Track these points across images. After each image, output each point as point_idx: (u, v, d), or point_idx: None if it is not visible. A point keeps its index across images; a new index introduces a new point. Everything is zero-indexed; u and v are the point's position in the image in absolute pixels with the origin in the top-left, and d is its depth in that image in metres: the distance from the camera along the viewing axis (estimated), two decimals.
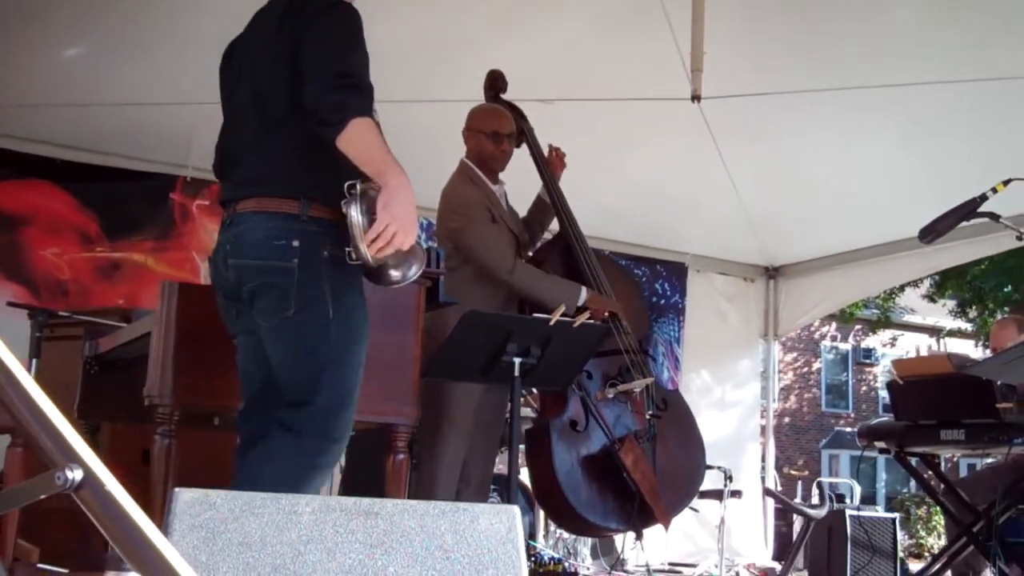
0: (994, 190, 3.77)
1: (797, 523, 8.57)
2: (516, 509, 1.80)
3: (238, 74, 3.22)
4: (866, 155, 6.98)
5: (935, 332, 31.31)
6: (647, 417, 5.07)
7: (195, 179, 7.24)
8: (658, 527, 5.12)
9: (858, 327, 29.35)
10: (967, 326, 25.01)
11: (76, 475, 1.27)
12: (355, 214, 2.87)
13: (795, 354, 29.30)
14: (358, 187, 2.87)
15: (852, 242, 8.70)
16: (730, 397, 9.41)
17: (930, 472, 6.28)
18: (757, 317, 9.65)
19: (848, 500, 10.57)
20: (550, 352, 4.31)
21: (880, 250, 8.61)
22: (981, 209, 3.79)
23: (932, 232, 3.96)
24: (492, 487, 5.78)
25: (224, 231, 3.14)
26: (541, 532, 7.43)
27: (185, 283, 3.79)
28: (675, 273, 9.22)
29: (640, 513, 4.94)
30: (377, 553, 1.68)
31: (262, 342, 3.08)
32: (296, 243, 2.97)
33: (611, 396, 5.05)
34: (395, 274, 3.03)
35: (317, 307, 2.98)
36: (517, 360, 4.25)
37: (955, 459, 21.07)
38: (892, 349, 30.71)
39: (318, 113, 2.91)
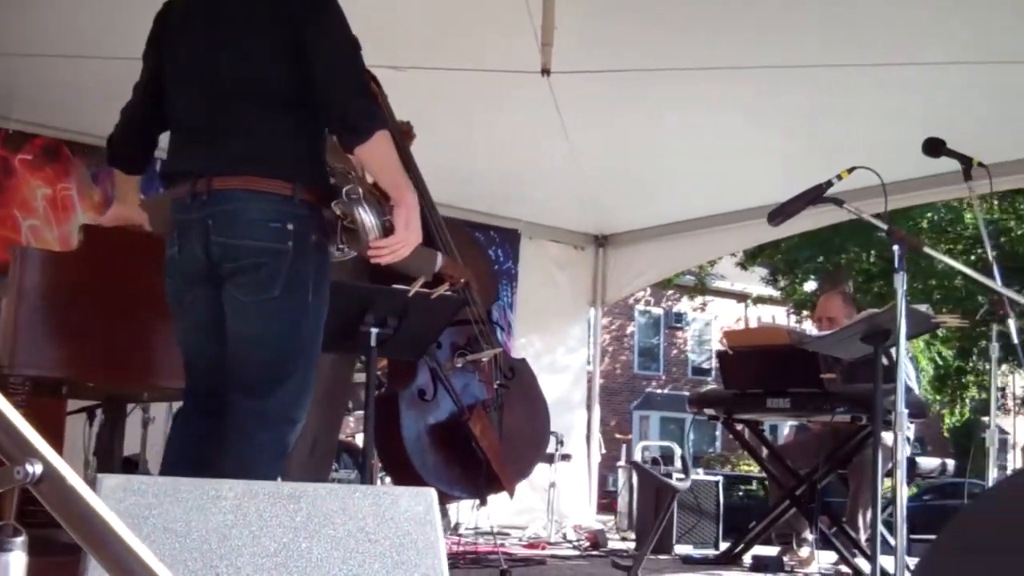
0: (839, 177, 3.96)
1: (620, 480, 8.85)
2: (432, 491, 1.85)
3: (211, 45, 3.12)
4: (698, 133, 7.18)
5: (743, 298, 32.50)
6: (495, 386, 5.16)
7: (18, 132, 6.93)
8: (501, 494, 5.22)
9: (670, 291, 30.23)
10: (775, 293, 26.07)
11: (36, 469, 1.26)
12: (367, 217, 3.02)
13: (610, 318, 29.99)
14: (359, 190, 2.94)
15: (680, 214, 8.95)
16: (560, 362, 9.60)
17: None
18: (586, 284, 9.85)
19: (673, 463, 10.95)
20: (407, 323, 4.33)
21: (706, 222, 8.90)
22: (827, 194, 3.97)
23: (781, 215, 4.14)
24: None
25: (199, 207, 3.03)
26: None
27: (41, 250, 3.70)
28: (509, 239, 9.33)
29: (486, 481, 5.03)
30: (301, 536, 1.70)
31: (221, 321, 3.04)
32: (291, 226, 2.98)
33: (460, 365, 5.12)
34: None
35: (300, 291, 3.02)
36: (374, 330, 4.25)
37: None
38: (702, 314, 31.75)
39: (347, 118, 2.98)
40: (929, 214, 17.44)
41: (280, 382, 3.03)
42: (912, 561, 5.59)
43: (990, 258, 4.32)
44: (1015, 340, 4.23)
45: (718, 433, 30.61)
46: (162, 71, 3.22)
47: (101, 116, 3.74)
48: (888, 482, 5.42)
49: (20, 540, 1.33)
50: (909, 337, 3.86)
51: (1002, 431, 33.66)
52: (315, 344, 3.14)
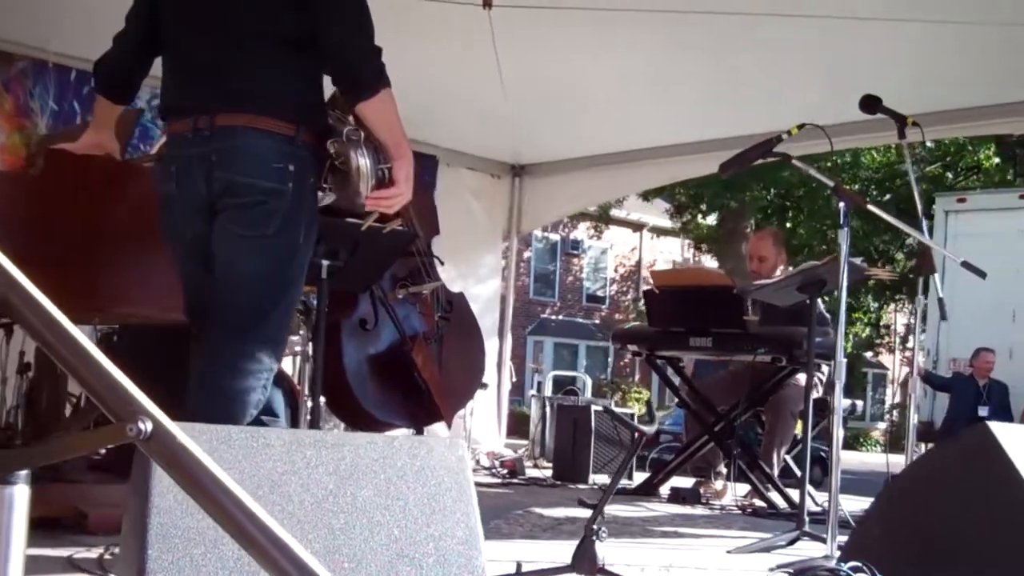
0: (789, 132, 4.09)
1: (534, 413, 9.03)
2: (462, 442, 1.94)
3: None
4: (622, 71, 7.26)
5: (639, 228, 32.95)
6: (436, 319, 5.24)
7: None
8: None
9: (567, 217, 30.48)
10: (671, 224, 26.52)
11: (147, 427, 1.32)
12: (364, 161, 3.05)
13: (506, 243, 30.11)
14: (361, 133, 2.96)
15: (597, 148, 9.05)
16: (473, 291, 9.66)
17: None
18: (502, 214, 9.92)
19: (582, 391, 11.21)
20: (358, 256, 4.38)
21: (623, 157, 9.02)
22: (776, 149, 4.09)
23: (731, 167, 4.26)
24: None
25: (202, 142, 3.03)
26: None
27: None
28: (426, 166, 9.33)
29: (425, 411, 5.13)
30: (347, 484, 1.78)
31: (209, 253, 3.06)
32: (292, 167, 3.02)
33: (401, 297, 5.18)
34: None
35: (293, 231, 3.07)
36: (325, 263, 4.29)
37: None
38: (598, 241, 32.10)
39: (359, 75, 3.04)
40: (833, 157, 17.87)
41: (262, 321, 3.07)
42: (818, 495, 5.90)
43: (920, 212, 4.50)
44: (940, 295, 4.44)
45: (610, 360, 31.20)
46: (156, 3, 3.20)
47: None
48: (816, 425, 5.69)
49: (24, 473, 1.36)
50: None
51: (881, 367, 34.84)
52: (299, 286, 3.20)
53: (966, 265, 4.10)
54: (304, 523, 1.73)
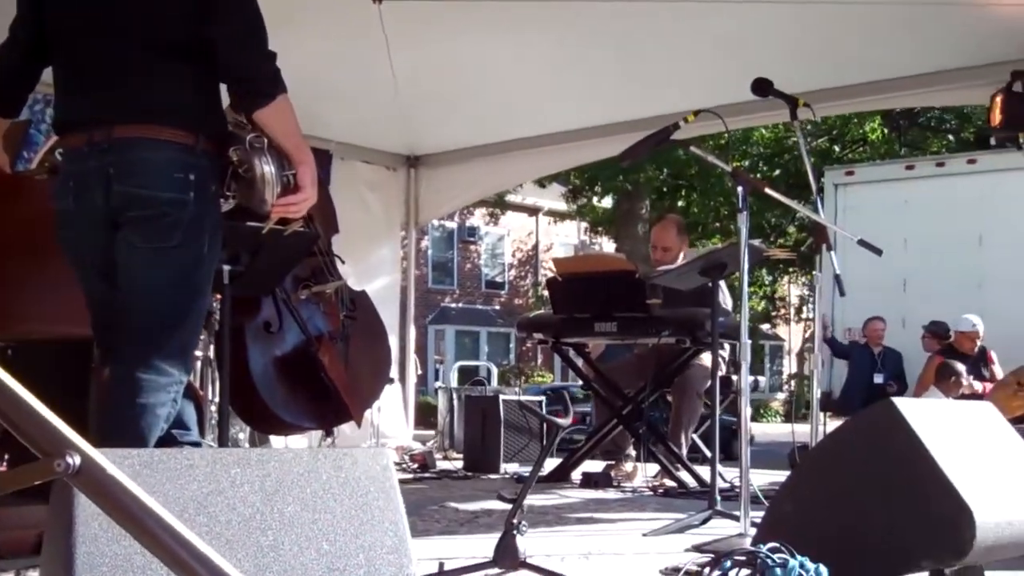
0: (686, 119, 4.15)
1: (441, 404, 9.03)
2: (387, 451, 1.94)
3: None
4: (517, 57, 7.28)
5: (534, 212, 33.08)
6: (340, 318, 5.21)
7: None
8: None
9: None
10: (563, 206, 26.69)
11: (75, 461, 1.30)
12: (268, 168, 3.03)
13: (403, 232, 30.02)
14: (264, 140, 2.92)
15: (492, 136, 9.06)
16: (373, 285, 9.61)
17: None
18: (398, 206, 9.89)
19: (488, 380, 11.23)
20: (260, 259, 4.33)
21: (519, 143, 9.04)
22: (674, 136, 4.15)
23: (630, 155, 4.31)
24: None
25: (98, 155, 2.97)
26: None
27: None
28: (319, 160, 9.23)
29: (333, 411, 5.10)
30: (273, 500, 1.77)
31: (112, 267, 3.00)
32: (192, 176, 2.97)
33: (304, 297, 5.14)
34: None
35: (197, 240, 3.03)
36: (227, 268, 4.24)
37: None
38: (495, 227, 32.15)
39: (254, 81, 3.01)
40: (726, 135, 18.10)
41: (170, 334, 3.03)
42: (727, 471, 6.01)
43: (814, 191, 4.61)
44: (836, 271, 4.54)
45: (512, 346, 31.32)
46: (44, 13, 3.12)
47: None
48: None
49: None
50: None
51: (778, 338, 35.51)
52: (206, 295, 3.17)
53: (863, 243, 4.20)
54: (232, 542, 1.72)
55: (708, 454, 6.30)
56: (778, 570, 2.26)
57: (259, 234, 4.23)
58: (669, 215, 8.24)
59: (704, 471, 6.03)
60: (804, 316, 29.38)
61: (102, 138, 2.98)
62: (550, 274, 6.41)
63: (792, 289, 30.84)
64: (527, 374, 27.31)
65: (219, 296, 4.31)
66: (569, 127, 8.46)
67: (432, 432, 10.33)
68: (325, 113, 8.56)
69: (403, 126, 8.93)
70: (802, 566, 2.27)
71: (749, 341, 3.97)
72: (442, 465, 7.43)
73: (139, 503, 1.31)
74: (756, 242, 4.97)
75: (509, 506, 3.24)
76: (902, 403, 2.86)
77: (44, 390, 3.36)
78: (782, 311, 31.45)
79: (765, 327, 32.19)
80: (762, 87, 4.59)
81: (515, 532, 3.11)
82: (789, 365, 36.01)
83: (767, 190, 4.15)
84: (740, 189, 3.95)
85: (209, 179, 3.07)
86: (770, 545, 2.36)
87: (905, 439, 2.77)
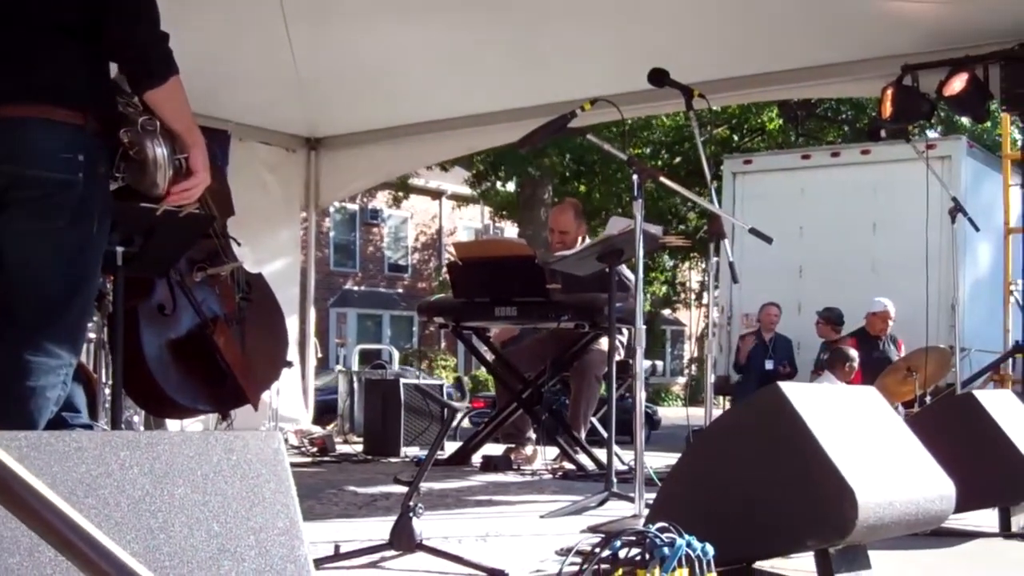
0: (582, 108, 4.19)
1: (342, 387, 9.00)
2: (278, 434, 1.94)
3: None
4: (420, 41, 7.28)
5: (438, 195, 33.03)
6: (236, 300, 5.17)
7: None
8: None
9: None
10: (467, 190, 26.69)
11: None
12: (160, 151, 3.02)
13: (303, 214, 29.72)
14: (156, 123, 2.88)
15: (394, 119, 9.04)
16: (272, 267, 9.52)
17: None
18: (298, 188, 9.81)
19: (389, 363, 11.20)
20: (153, 241, 4.28)
21: (421, 127, 9.03)
22: (571, 124, 4.18)
23: (528, 143, 4.33)
24: None
25: None
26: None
27: None
28: (218, 141, 9.11)
29: (231, 394, 5.07)
30: (163, 483, 1.76)
31: None
32: (81, 157, 2.92)
33: (199, 280, 5.09)
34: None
35: (85, 222, 2.98)
36: (120, 249, 4.19)
37: None
38: (398, 211, 32.02)
39: (146, 63, 2.97)
40: (629, 122, 18.25)
41: (58, 316, 2.99)
42: (625, 455, 6.09)
43: (709, 181, 4.69)
44: (731, 258, 4.62)
45: (415, 329, 31.26)
46: None
47: None
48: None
49: None
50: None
51: (679, 323, 35.94)
52: (95, 277, 3.13)
53: (754, 232, 4.28)
54: (121, 524, 1.71)
55: (602, 431, 6.38)
56: (666, 548, 2.31)
57: (153, 215, 4.16)
58: (567, 199, 8.30)
59: (603, 454, 6.11)
60: (704, 301, 29.82)
61: None
62: (451, 258, 6.42)
63: (693, 275, 31.27)
64: (430, 358, 27.30)
65: (112, 277, 4.25)
66: (471, 112, 8.48)
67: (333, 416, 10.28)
68: (224, 93, 8.45)
69: (303, 108, 8.87)
70: (689, 544, 2.33)
71: (644, 326, 4.03)
72: (342, 449, 7.40)
73: (22, 482, 1.30)
74: (653, 229, 5.04)
75: (407, 489, 3.26)
76: (788, 387, 2.94)
77: None
78: (683, 296, 31.87)
79: (666, 312, 32.59)
80: (658, 77, 4.66)
81: (411, 514, 3.13)
82: (689, 350, 36.52)
83: (662, 179, 4.21)
84: (635, 177, 4.00)
85: (98, 160, 3.04)
86: (659, 525, 2.41)
87: (790, 422, 2.85)
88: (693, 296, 31.44)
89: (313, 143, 9.71)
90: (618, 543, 2.38)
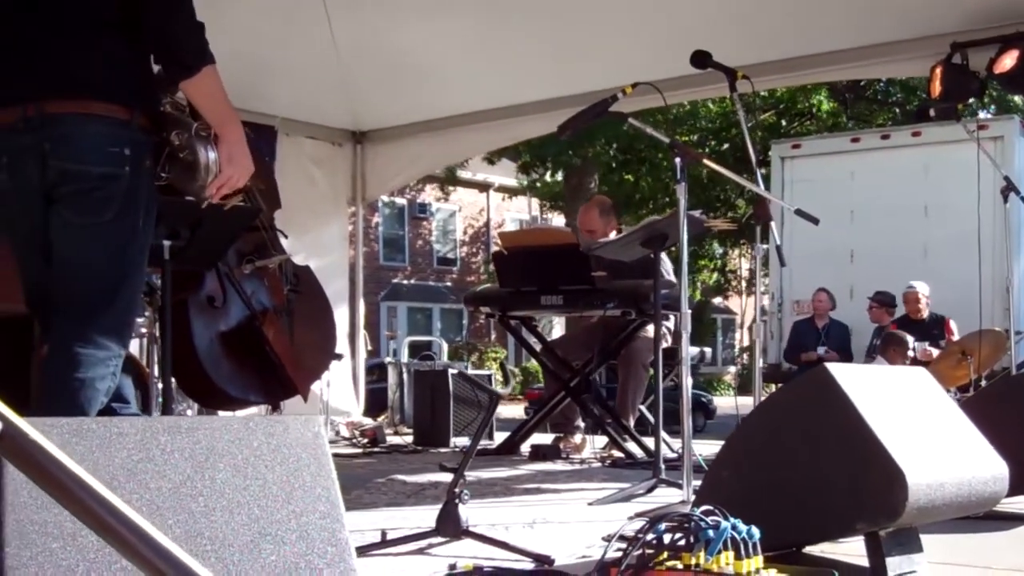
0: (624, 92, 4.16)
1: (392, 379, 9.03)
2: (318, 418, 1.95)
3: None
4: (461, 32, 7.29)
5: (485, 188, 33.03)
6: (285, 292, 5.20)
7: None
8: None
9: (413, 181, 30.34)
10: (514, 182, 26.68)
11: None
12: (212, 156, 3.07)
13: (353, 208, 29.85)
14: (211, 130, 2.99)
15: (438, 111, 9.04)
16: (320, 261, 9.56)
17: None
18: (345, 181, 9.85)
19: (438, 355, 11.23)
20: (200, 234, 4.31)
21: (465, 119, 9.02)
22: (612, 108, 4.16)
23: (568, 129, 4.32)
24: None
25: (33, 130, 2.95)
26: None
27: None
28: (264, 136, 9.17)
29: (280, 385, 5.10)
30: (203, 468, 1.77)
31: (47, 243, 2.97)
32: (127, 151, 2.96)
33: (248, 272, 5.12)
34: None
35: (132, 216, 3.02)
36: (166, 243, 4.22)
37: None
38: (446, 204, 32.08)
39: (179, 52, 3.00)
40: (675, 110, 18.16)
41: (106, 308, 3.02)
42: (674, 442, 6.06)
43: (754, 165, 4.64)
44: (778, 241, 4.58)
45: (465, 322, 31.32)
46: None
47: None
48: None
49: None
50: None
51: (729, 311, 35.73)
52: (141, 270, 3.15)
53: (799, 213, 4.24)
54: (163, 509, 1.72)
55: (650, 418, 6.35)
56: (710, 531, 2.29)
57: (198, 209, 4.20)
58: (594, 196, 8.26)
59: (653, 442, 6.08)
60: (756, 289, 29.59)
61: (36, 113, 2.97)
62: (497, 248, 6.42)
63: (743, 262, 31.05)
64: (480, 350, 27.33)
65: (160, 271, 4.29)
66: (513, 102, 8.46)
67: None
68: (270, 88, 8.51)
69: (348, 102, 8.91)
70: (734, 527, 2.30)
71: (689, 311, 3.99)
72: (392, 440, 7.43)
73: (64, 468, 1.31)
74: (697, 213, 5.00)
75: (453, 477, 3.26)
76: (835, 368, 2.90)
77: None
78: (733, 284, 31.64)
79: (717, 300, 32.37)
80: (701, 60, 4.62)
81: (457, 501, 3.14)
82: (741, 338, 36.27)
83: (706, 161, 4.18)
84: (678, 161, 3.97)
85: (144, 155, 3.07)
86: (704, 508, 2.39)
87: (838, 403, 2.81)
88: (744, 284, 31.23)
89: (359, 136, 9.74)
90: (662, 527, 2.36)
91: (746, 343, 34.41)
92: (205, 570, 1.25)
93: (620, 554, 2.41)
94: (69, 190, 2.98)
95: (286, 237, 5.50)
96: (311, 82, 8.39)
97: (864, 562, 2.90)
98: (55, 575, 1.60)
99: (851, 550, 3.10)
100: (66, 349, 2.99)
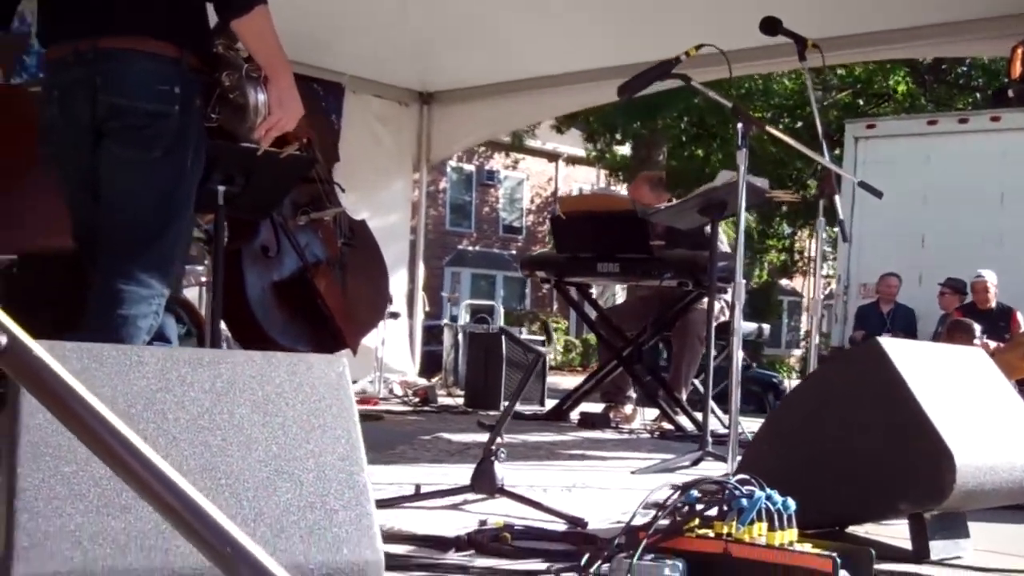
0: (687, 54, 4.07)
1: (447, 341, 9.03)
2: (343, 359, 1.91)
3: None
4: None
5: (554, 158, 32.90)
6: (338, 245, 5.19)
7: None
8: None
9: (482, 148, 30.30)
10: (583, 152, 26.53)
11: (1, 340, 1.27)
12: (262, 98, 3.06)
13: (418, 172, 29.89)
14: (261, 72, 3.01)
15: (506, 74, 8.98)
16: (382, 220, 9.58)
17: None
18: (411, 143, 9.83)
19: (491, 319, 11.22)
20: (255, 181, 4.29)
21: (533, 83, 8.95)
22: (675, 71, 4.08)
23: (629, 89, 4.25)
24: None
25: (85, 65, 2.95)
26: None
27: None
28: (332, 93, 9.16)
29: (330, 337, 5.09)
30: (222, 401, 1.75)
31: (95, 178, 2.98)
32: (178, 89, 2.96)
33: (302, 223, 5.11)
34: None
35: (180, 154, 3.01)
36: (220, 188, 4.20)
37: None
38: (514, 172, 32.01)
39: None
40: (746, 85, 17.92)
41: (151, 245, 3.01)
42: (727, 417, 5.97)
43: (820, 136, 4.52)
44: (840, 216, 4.47)
45: (528, 291, 31.29)
46: None
47: None
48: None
49: None
50: (746, 209, 4.04)
51: (796, 293, 35.36)
52: (188, 209, 3.13)
53: (862, 185, 4.14)
54: (179, 441, 1.70)
55: (711, 401, 6.25)
56: (744, 500, 2.23)
57: (253, 156, 4.18)
58: (642, 172, 8.15)
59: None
60: (824, 272, 29.21)
61: (88, 48, 2.97)
62: (556, 212, 6.36)
63: (812, 244, 30.60)
64: (542, 319, 27.29)
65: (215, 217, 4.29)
66: (581, 67, 8.37)
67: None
68: (338, 45, 8.51)
69: (417, 62, 8.88)
70: (769, 498, 2.24)
71: (744, 281, 3.89)
72: (444, 401, 7.42)
73: (67, 387, 1.29)
74: (758, 181, 4.88)
75: (507, 438, 3.23)
76: (887, 341, 2.82)
77: (55, 304, 3.36)
78: (799, 265, 31.24)
79: (784, 282, 32.00)
80: (771, 26, 4.51)
81: (493, 458, 3.10)
82: (807, 321, 35.83)
83: (768, 128, 4.08)
84: (740, 126, 3.88)
85: (194, 94, 3.05)
86: (740, 477, 2.32)
87: (888, 377, 2.73)
88: (812, 265, 30.78)
89: (426, 97, 9.71)
90: (694, 493, 2.30)
91: (811, 325, 33.92)
92: (205, 499, 1.22)
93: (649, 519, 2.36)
94: (118, 125, 2.97)
95: (343, 191, 5.48)
96: (380, 41, 8.36)
97: (908, 545, 2.83)
98: (67, 498, 1.59)
99: (897, 532, 3.02)
100: (109, 285, 2.98)
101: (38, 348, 1.31)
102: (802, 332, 36.04)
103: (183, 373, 1.74)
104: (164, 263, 3.08)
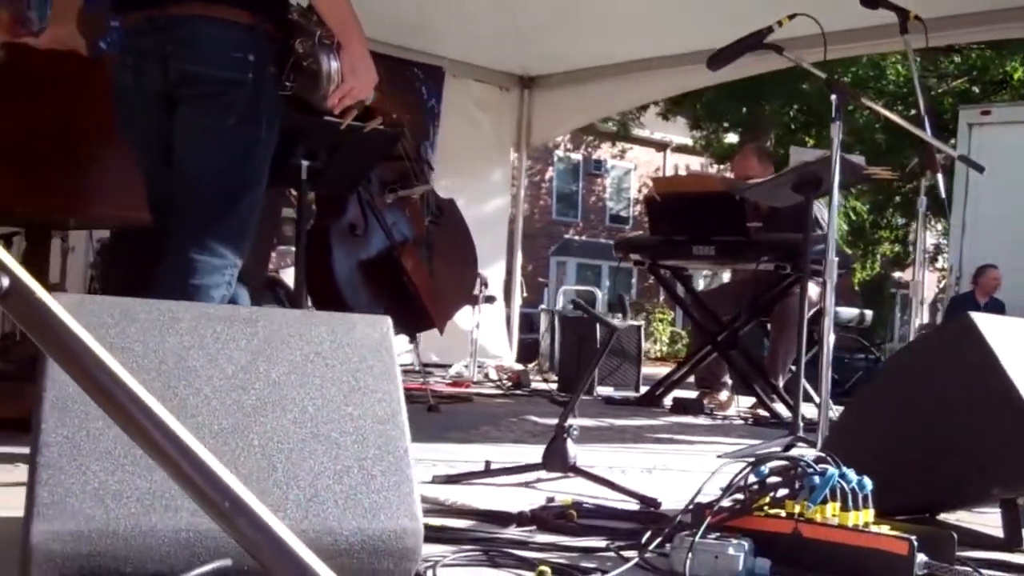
0: (779, 23, 3.93)
1: (543, 324, 8.95)
2: (388, 319, 1.84)
3: None
4: None
5: (662, 147, 32.59)
6: (425, 223, 5.14)
7: None
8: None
9: (590, 138, 30.13)
10: (690, 141, 26.21)
11: (4, 282, 1.23)
12: (336, 66, 3.01)
13: (529, 162, 29.85)
14: (335, 39, 2.97)
15: (607, 57, 8.86)
16: (480, 205, 9.56)
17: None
18: (510, 127, 9.78)
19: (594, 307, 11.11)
20: (338, 157, 4.26)
21: (634, 66, 8.84)
22: (767, 40, 3.94)
23: (719, 60, 4.12)
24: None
25: (157, 31, 2.94)
26: None
27: None
28: (432, 77, 9.15)
29: (417, 316, 5.06)
30: (259, 359, 1.69)
31: (168, 145, 2.98)
32: (251, 56, 2.92)
33: (390, 201, 5.08)
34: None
35: (253, 122, 2.97)
36: (304, 163, 4.18)
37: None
38: (621, 161, 31.79)
39: None
40: (854, 68, 17.48)
41: (224, 215, 2.97)
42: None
43: (922, 112, 4.34)
44: (943, 195, 4.29)
45: (634, 281, 31.06)
46: None
47: None
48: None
49: None
50: (841, 187, 3.89)
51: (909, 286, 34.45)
52: (261, 179, 3.08)
53: (963, 159, 3.96)
54: (212, 399, 1.64)
55: (810, 390, 6.06)
56: (816, 477, 2.12)
57: (338, 130, 4.16)
58: (747, 145, 7.92)
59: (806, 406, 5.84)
60: (939, 265, 28.43)
61: (160, 15, 2.94)
62: (650, 194, 6.22)
63: (928, 236, 29.79)
64: (648, 310, 27.04)
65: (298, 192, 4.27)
66: (683, 50, 8.21)
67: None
68: (439, 29, 8.49)
69: (517, 46, 8.81)
70: (843, 476, 2.12)
71: (836, 258, 3.74)
72: (538, 386, 7.35)
73: (65, 329, 1.24)
74: (854, 157, 4.70)
75: (595, 422, 3.15)
76: (979, 317, 2.66)
77: (143, 277, 3.34)
78: (913, 256, 30.42)
79: (897, 274, 31.24)
80: None
81: (566, 436, 3.02)
82: (920, 313, 34.94)
83: (864, 100, 3.92)
84: (833, 98, 3.73)
85: (268, 62, 3.00)
86: (815, 455, 2.21)
87: (979, 354, 2.57)
88: (927, 257, 29.97)
89: (526, 82, 9.65)
90: (765, 469, 2.19)
91: (925, 319, 33.17)
92: (205, 450, 1.15)
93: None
94: (192, 92, 2.95)
95: (432, 168, 5.44)
96: (481, 25, 8.32)
97: (999, 533, 2.67)
98: (92, 455, 1.55)
99: (990, 521, 2.86)
100: (182, 254, 2.96)
101: (41, 291, 1.26)
102: (915, 327, 35.19)
103: (218, 330, 1.69)
104: (238, 233, 3.05)
